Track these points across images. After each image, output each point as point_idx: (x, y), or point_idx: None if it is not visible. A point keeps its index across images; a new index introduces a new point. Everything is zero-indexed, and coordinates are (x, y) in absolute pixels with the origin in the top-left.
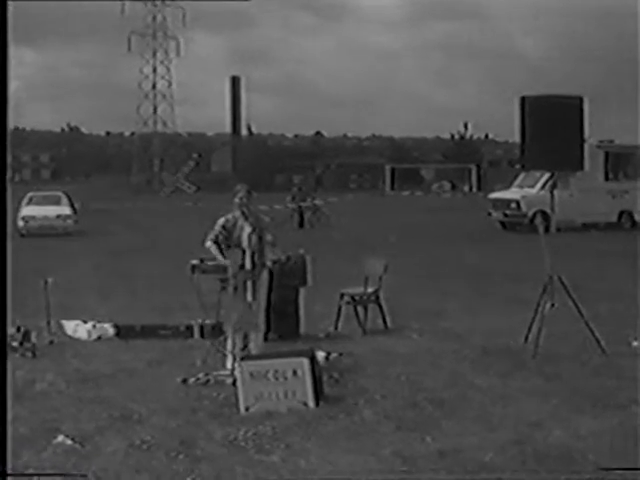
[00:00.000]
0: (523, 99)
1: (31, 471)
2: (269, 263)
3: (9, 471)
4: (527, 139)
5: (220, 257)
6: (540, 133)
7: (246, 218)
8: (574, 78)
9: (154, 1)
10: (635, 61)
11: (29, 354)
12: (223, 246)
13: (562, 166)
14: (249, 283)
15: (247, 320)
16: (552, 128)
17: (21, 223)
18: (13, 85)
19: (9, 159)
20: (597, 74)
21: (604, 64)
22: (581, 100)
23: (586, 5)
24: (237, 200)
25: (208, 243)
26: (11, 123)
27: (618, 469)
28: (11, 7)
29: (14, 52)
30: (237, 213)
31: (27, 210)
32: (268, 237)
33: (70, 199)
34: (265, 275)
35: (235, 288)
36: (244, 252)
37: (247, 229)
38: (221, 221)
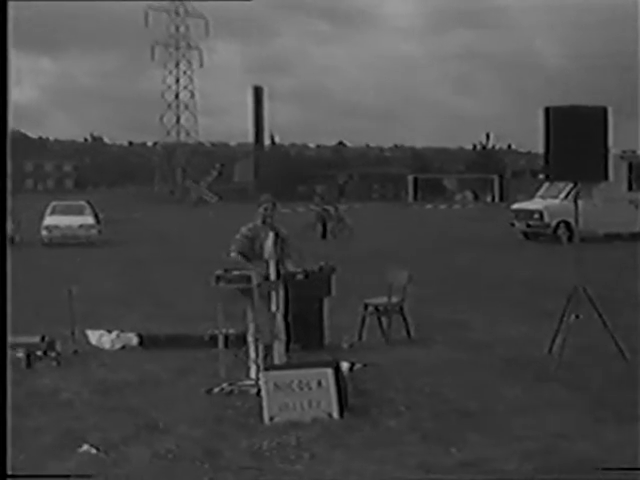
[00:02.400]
0: (547, 109)
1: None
2: (300, 276)
3: (9, 472)
4: (551, 149)
5: (249, 265)
6: (564, 143)
7: (270, 228)
8: (596, 88)
9: (177, 12)
10: None
11: (54, 363)
12: (248, 256)
13: (586, 177)
14: (273, 293)
15: (270, 330)
16: (576, 139)
17: (44, 232)
18: (35, 94)
19: (31, 168)
20: (621, 84)
21: (628, 74)
22: (605, 110)
23: (609, 14)
24: (261, 210)
25: (233, 254)
26: (34, 133)
27: (618, 469)
28: (34, 17)
29: (36, 62)
30: (259, 223)
31: (50, 219)
32: (290, 247)
33: (93, 209)
34: (282, 286)
35: (260, 297)
36: (267, 262)
37: (271, 239)
38: (243, 231)
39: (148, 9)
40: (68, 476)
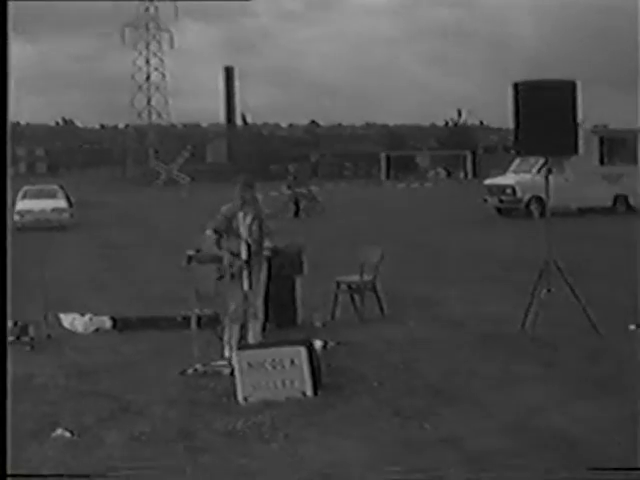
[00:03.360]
0: (516, 85)
1: (31, 471)
2: (266, 252)
3: (9, 471)
4: (521, 125)
5: (214, 248)
6: (533, 118)
7: (247, 208)
8: (569, 63)
9: None
10: (632, 46)
11: (27, 348)
12: (223, 234)
13: (556, 151)
14: (245, 272)
15: (244, 310)
16: (545, 113)
17: (17, 217)
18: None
19: None
20: (593, 59)
21: (600, 50)
22: (574, 85)
23: None
24: (239, 190)
25: (208, 231)
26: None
27: (617, 469)
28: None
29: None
30: (237, 202)
31: (23, 204)
32: (268, 227)
33: (66, 192)
34: (264, 265)
35: (232, 277)
36: (241, 241)
37: (248, 219)
38: (223, 209)
39: None
40: (68, 476)
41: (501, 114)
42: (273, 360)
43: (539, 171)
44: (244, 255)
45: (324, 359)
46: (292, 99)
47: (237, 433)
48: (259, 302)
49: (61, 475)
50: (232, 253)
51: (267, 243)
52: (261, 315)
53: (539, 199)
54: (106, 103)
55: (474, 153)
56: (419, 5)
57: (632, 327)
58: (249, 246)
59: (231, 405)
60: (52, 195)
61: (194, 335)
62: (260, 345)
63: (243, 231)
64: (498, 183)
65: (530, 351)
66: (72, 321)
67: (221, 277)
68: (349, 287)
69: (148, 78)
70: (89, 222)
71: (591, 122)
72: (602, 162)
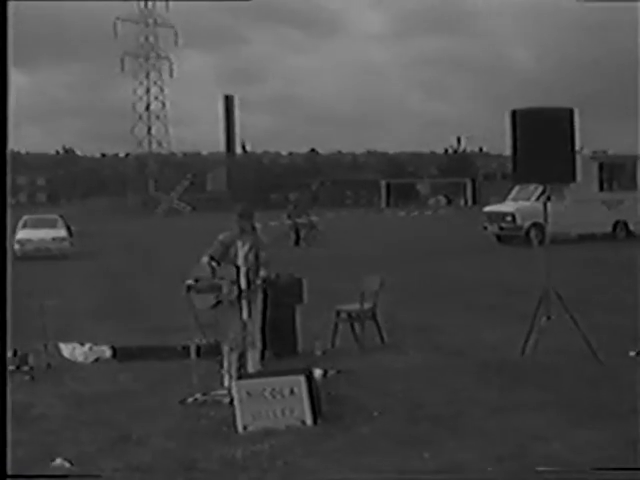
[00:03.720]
0: (514, 112)
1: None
2: (259, 282)
3: (9, 472)
4: (518, 152)
5: (209, 275)
6: (531, 146)
7: (245, 237)
8: (567, 90)
9: (146, 22)
10: (630, 71)
11: (27, 377)
12: (220, 261)
13: (554, 178)
14: (244, 301)
15: (243, 339)
16: (543, 140)
17: (17, 246)
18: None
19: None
20: (590, 85)
21: (597, 75)
22: (571, 112)
23: (577, 17)
24: (237, 218)
25: (204, 258)
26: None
27: (617, 469)
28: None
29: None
30: (236, 231)
31: (23, 233)
32: (265, 256)
33: (65, 221)
34: (260, 294)
35: (231, 306)
36: (239, 270)
37: (245, 247)
38: (220, 237)
39: (116, 20)
40: (68, 476)
41: (500, 141)
42: (273, 389)
43: (538, 198)
44: (243, 284)
45: (324, 388)
46: (292, 127)
47: (236, 462)
48: (256, 330)
49: (61, 476)
50: (232, 282)
51: (263, 273)
52: (259, 344)
53: (539, 226)
54: (106, 132)
55: (474, 180)
56: (417, 33)
57: (632, 354)
58: (248, 274)
59: (230, 434)
60: (52, 224)
61: (194, 364)
62: (260, 374)
63: (241, 260)
64: (498, 210)
65: (530, 378)
66: (72, 350)
67: (218, 303)
68: (349, 315)
69: (148, 107)
70: (89, 251)
71: (590, 148)
72: (602, 188)
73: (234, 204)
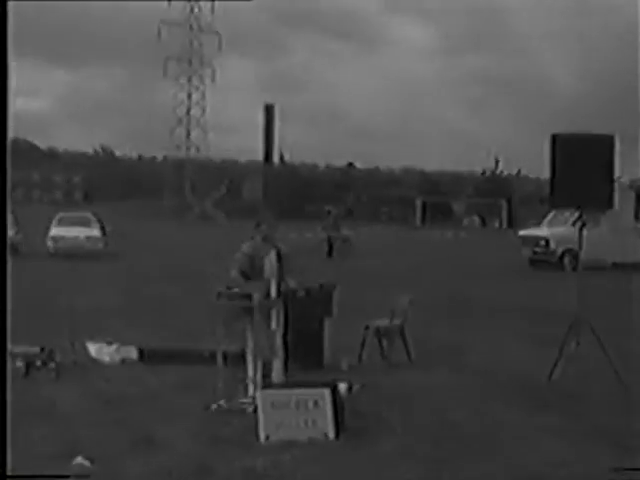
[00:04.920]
0: (554, 137)
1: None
2: (301, 293)
3: (9, 473)
4: (557, 177)
5: (246, 287)
6: (570, 171)
7: (270, 246)
8: (609, 116)
9: (191, 27)
10: None
11: (52, 374)
12: (249, 275)
13: (591, 204)
14: (273, 311)
15: (269, 348)
16: (582, 166)
17: (50, 243)
18: (46, 104)
19: (39, 179)
20: (634, 111)
21: None
22: (612, 139)
23: (626, 42)
24: (262, 227)
25: (233, 273)
26: (43, 143)
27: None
28: (50, 28)
29: (49, 72)
30: (258, 240)
31: (57, 230)
32: (289, 265)
33: (100, 221)
34: (282, 304)
35: (259, 314)
36: (267, 280)
37: (272, 257)
38: (244, 248)
39: (161, 23)
40: (68, 476)
41: (538, 164)
42: (297, 401)
43: (574, 224)
44: (274, 293)
45: (348, 402)
46: (331, 139)
47: (257, 471)
48: (279, 341)
49: (61, 476)
50: (261, 291)
51: (291, 283)
52: (281, 353)
53: (573, 252)
54: (145, 134)
55: (510, 202)
56: (462, 50)
57: None
58: (279, 285)
59: (252, 443)
60: (86, 223)
61: (219, 371)
62: (284, 385)
63: (269, 270)
64: (532, 234)
65: (556, 403)
66: (99, 350)
67: (249, 315)
68: (377, 331)
69: (188, 112)
70: (122, 252)
71: (629, 175)
72: (637, 217)
73: (266, 213)
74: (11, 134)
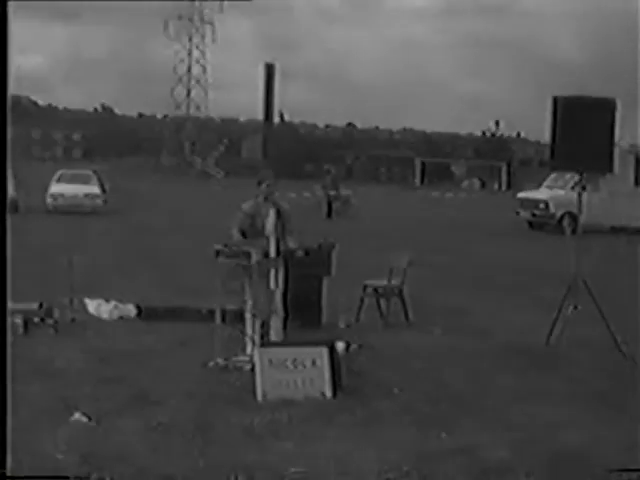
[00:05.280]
0: (555, 99)
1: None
2: (299, 253)
3: (8, 473)
4: (557, 140)
5: (245, 246)
6: (570, 134)
7: (271, 205)
8: (610, 80)
9: None
10: None
11: (51, 331)
12: (247, 234)
13: (591, 168)
14: (272, 270)
15: (268, 307)
16: (583, 129)
17: (49, 200)
18: (46, 61)
19: (39, 136)
20: (635, 76)
21: None
22: (614, 103)
23: (627, 7)
24: (263, 187)
25: (233, 231)
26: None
27: (617, 470)
28: None
29: (48, 28)
30: (260, 199)
31: (56, 187)
32: (290, 224)
33: (100, 178)
34: (282, 262)
35: (257, 272)
36: (267, 239)
37: (272, 216)
38: (244, 207)
39: None
40: (67, 477)
41: (539, 127)
42: (294, 359)
43: (573, 187)
44: (273, 253)
45: (345, 361)
46: (331, 100)
47: (253, 429)
48: (279, 299)
49: (61, 476)
50: (260, 249)
51: (291, 242)
52: (281, 312)
53: (572, 215)
54: (145, 92)
55: (509, 165)
56: (460, 12)
57: None
58: (278, 244)
59: (249, 401)
60: (86, 180)
61: (218, 329)
62: (282, 343)
63: (269, 228)
64: (532, 197)
65: (552, 366)
66: (97, 307)
67: (248, 273)
68: (376, 291)
69: (189, 70)
70: (122, 209)
71: (629, 140)
72: (637, 182)
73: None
74: (12, 91)
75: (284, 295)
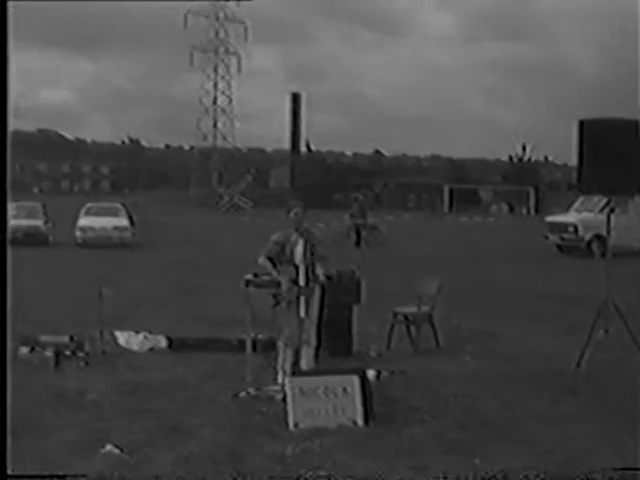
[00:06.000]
0: (581, 123)
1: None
2: (322, 278)
3: (9, 472)
4: (584, 163)
5: (274, 273)
6: (597, 157)
7: (300, 234)
8: (636, 100)
9: (217, 16)
10: None
11: (82, 363)
12: (276, 262)
13: (619, 190)
14: (302, 299)
15: (299, 336)
16: (609, 152)
17: (78, 233)
18: (73, 95)
19: (68, 169)
20: None
21: None
22: (638, 124)
23: None
24: (292, 216)
25: (261, 259)
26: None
27: (617, 469)
28: (75, 17)
29: (75, 62)
30: (290, 229)
31: (85, 220)
32: (319, 252)
33: (128, 211)
34: (317, 291)
35: (288, 303)
36: (297, 268)
37: (300, 244)
38: (274, 237)
39: (187, 12)
40: (66, 476)
41: (565, 150)
42: (325, 388)
43: (602, 210)
44: (302, 281)
45: (377, 389)
46: (357, 127)
47: (285, 459)
48: (312, 329)
49: (61, 476)
50: (290, 279)
51: (321, 270)
52: (314, 342)
53: (601, 238)
54: (172, 124)
55: (537, 189)
56: (484, 37)
57: None
58: (307, 272)
59: (281, 430)
60: (114, 213)
61: (248, 359)
62: (313, 372)
63: (299, 257)
64: (560, 221)
65: (584, 390)
66: (128, 339)
67: (277, 303)
68: (405, 318)
69: (215, 101)
70: (150, 242)
71: None
72: None
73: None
74: (40, 125)
75: (318, 324)
